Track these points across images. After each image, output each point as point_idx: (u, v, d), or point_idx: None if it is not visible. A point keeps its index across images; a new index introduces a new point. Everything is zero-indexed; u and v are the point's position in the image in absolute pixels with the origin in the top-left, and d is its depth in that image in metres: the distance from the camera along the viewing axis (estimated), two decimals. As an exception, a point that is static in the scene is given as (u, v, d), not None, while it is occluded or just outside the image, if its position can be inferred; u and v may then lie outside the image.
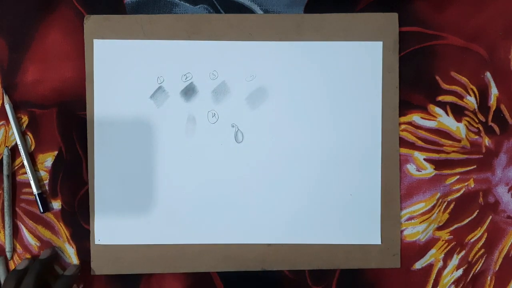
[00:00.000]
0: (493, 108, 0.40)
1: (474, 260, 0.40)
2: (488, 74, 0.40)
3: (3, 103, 0.39)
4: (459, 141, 0.40)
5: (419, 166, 0.40)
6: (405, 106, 0.39)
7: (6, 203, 0.38)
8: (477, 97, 0.40)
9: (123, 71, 0.39)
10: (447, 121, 0.40)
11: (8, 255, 0.39)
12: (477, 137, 0.40)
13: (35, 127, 0.39)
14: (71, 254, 0.39)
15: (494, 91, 0.40)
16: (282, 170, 0.39)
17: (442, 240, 0.40)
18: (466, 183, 0.40)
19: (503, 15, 0.40)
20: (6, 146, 0.38)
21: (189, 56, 0.39)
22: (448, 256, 0.40)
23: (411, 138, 0.40)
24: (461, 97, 0.40)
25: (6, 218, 0.38)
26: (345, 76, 0.39)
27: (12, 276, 0.36)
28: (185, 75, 0.39)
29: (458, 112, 0.40)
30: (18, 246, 0.39)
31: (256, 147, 0.39)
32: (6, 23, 0.39)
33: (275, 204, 0.39)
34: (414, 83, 0.39)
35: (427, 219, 0.40)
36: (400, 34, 0.39)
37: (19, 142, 0.38)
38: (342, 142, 0.39)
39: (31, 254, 0.39)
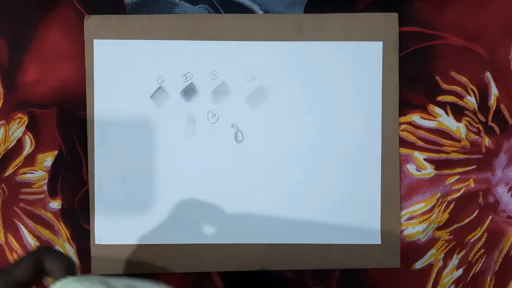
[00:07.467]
0: (493, 108, 0.40)
1: (474, 260, 0.40)
2: (488, 74, 0.40)
3: (3, 103, 0.39)
4: (459, 141, 0.40)
5: (419, 166, 0.40)
6: (405, 106, 0.39)
7: None
8: (477, 97, 0.40)
9: (123, 71, 0.39)
10: (447, 121, 0.40)
11: None
12: (477, 137, 0.40)
13: (35, 127, 0.39)
14: (71, 254, 0.39)
15: (494, 91, 0.40)
16: (282, 170, 0.39)
17: (442, 240, 0.40)
18: (466, 183, 0.40)
19: (503, 15, 0.40)
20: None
21: (189, 56, 0.39)
22: (448, 256, 0.40)
23: (411, 138, 0.40)
24: (461, 97, 0.40)
25: None
26: (345, 76, 0.39)
27: None
28: (185, 75, 0.39)
29: (458, 112, 0.40)
30: (17, 246, 0.39)
31: (256, 147, 0.39)
32: (6, 23, 0.39)
33: (275, 204, 0.39)
34: (414, 83, 0.39)
35: (427, 219, 0.40)
36: (400, 34, 0.39)
37: None
38: (342, 142, 0.39)
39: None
